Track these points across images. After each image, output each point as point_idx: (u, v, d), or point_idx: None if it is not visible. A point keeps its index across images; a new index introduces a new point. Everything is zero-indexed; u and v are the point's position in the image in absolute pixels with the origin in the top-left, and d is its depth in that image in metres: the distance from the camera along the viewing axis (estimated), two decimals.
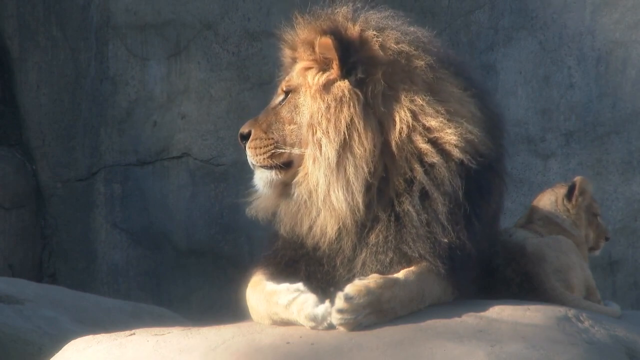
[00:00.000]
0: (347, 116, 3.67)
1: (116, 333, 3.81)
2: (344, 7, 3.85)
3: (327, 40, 3.71)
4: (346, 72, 3.72)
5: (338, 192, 3.66)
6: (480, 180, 3.73)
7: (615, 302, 4.37)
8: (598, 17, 6.83)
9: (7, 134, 7.67)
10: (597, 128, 6.84)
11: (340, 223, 3.69)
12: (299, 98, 3.81)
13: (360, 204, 3.67)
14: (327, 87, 3.72)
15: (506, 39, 6.97)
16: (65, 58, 7.58)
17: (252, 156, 3.86)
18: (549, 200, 4.58)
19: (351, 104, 3.68)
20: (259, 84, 7.18)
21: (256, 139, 3.84)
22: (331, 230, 3.70)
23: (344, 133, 3.66)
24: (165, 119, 7.44)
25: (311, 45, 3.79)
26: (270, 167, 3.83)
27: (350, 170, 3.66)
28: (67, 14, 7.56)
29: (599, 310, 4.04)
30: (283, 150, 3.80)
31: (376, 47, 3.74)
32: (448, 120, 3.70)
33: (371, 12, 3.86)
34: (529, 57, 6.95)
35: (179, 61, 7.41)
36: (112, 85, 7.50)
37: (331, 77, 3.73)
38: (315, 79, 3.75)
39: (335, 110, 3.69)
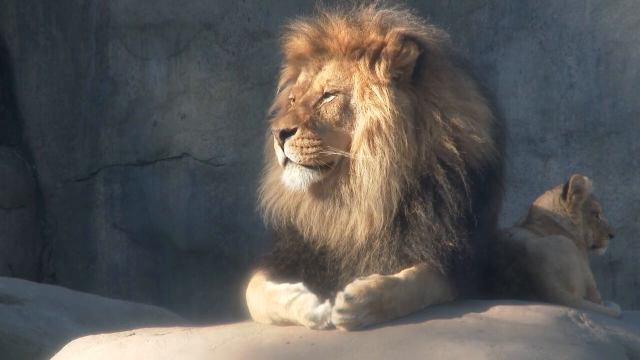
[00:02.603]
0: (407, 127, 3.66)
1: (116, 333, 3.81)
2: (370, 6, 3.82)
3: (414, 52, 3.69)
4: (413, 82, 3.72)
5: (379, 199, 3.66)
6: (485, 188, 3.75)
7: (615, 302, 4.37)
8: (598, 17, 6.82)
9: (7, 134, 7.67)
10: (597, 128, 6.83)
11: (373, 229, 3.69)
12: (350, 100, 3.74)
13: (394, 213, 3.68)
14: (397, 98, 3.69)
15: (506, 39, 6.97)
16: (65, 58, 7.57)
17: (295, 154, 3.70)
18: (547, 200, 4.58)
19: (410, 115, 3.68)
20: (259, 84, 7.17)
21: (304, 138, 3.70)
22: (361, 234, 3.70)
23: (401, 142, 3.65)
24: (165, 119, 7.43)
25: (369, 47, 3.73)
26: (313, 167, 3.72)
27: (396, 180, 3.66)
28: (67, 14, 7.56)
29: (599, 310, 4.04)
30: (333, 152, 3.70)
31: (433, 56, 3.74)
32: (472, 123, 3.72)
33: (400, 12, 3.84)
34: (529, 57, 6.94)
35: (179, 61, 7.41)
36: (112, 85, 7.50)
37: (399, 87, 3.71)
38: (385, 90, 3.69)
39: (398, 119, 3.66)
